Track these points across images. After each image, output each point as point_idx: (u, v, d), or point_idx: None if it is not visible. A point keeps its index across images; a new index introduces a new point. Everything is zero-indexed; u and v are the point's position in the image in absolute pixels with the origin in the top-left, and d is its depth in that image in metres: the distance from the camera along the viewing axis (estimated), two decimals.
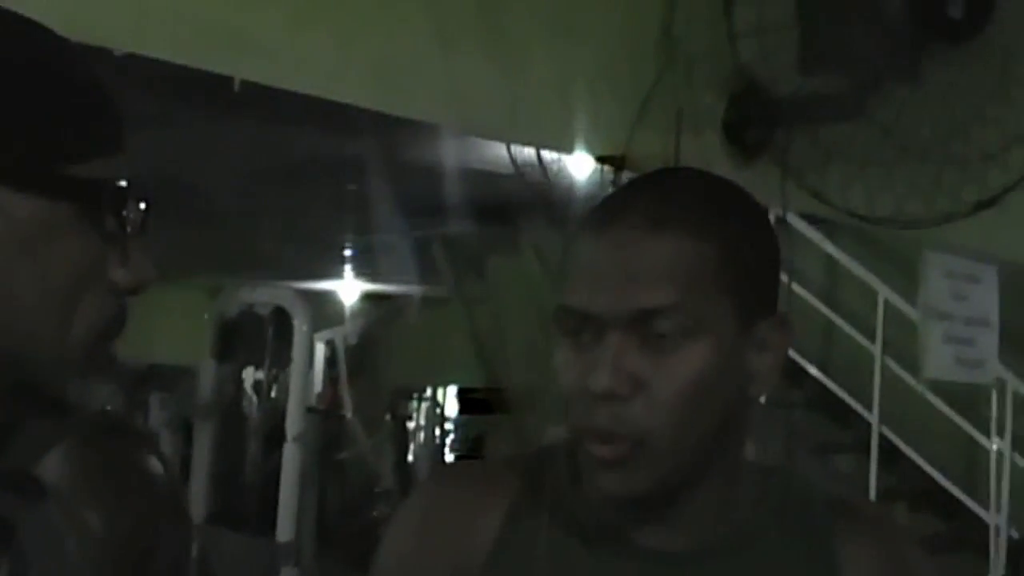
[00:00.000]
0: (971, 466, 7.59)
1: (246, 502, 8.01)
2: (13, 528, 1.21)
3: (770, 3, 4.18)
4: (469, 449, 10.05)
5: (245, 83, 3.50)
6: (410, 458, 9.91)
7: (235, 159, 6.75)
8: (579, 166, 4.81)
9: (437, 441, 9.92)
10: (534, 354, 8.45)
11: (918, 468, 7.60)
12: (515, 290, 8.32)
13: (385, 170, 6.60)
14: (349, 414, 8.97)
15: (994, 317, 5.00)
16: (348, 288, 9.35)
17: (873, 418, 7.44)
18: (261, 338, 7.79)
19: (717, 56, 4.22)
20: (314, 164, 6.93)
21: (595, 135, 4.07)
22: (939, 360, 4.78)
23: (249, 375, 8.64)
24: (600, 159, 4.22)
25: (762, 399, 1.52)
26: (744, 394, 1.44)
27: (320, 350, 8.79)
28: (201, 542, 7.09)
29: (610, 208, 1.46)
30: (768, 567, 1.48)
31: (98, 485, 1.32)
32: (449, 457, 10.22)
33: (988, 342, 4.99)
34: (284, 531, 7.39)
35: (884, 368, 7.40)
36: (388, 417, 9.50)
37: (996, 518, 7.20)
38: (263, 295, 7.77)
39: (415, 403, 9.71)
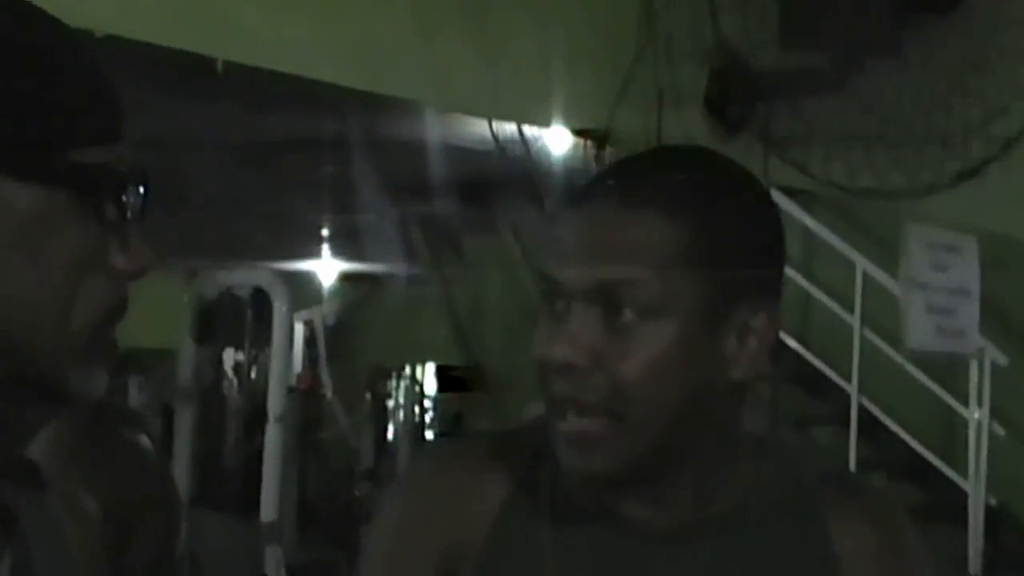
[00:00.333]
0: (949, 436, 7.63)
1: (228, 483, 7.99)
2: (15, 517, 1.21)
3: None
4: (449, 427, 10.06)
5: (227, 64, 3.51)
6: (390, 436, 9.89)
7: (213, 141, 6.74)
8: (560, 142, 4.82)
9: (417, 419, 9.90)
10: (512, 332, 8.48)
11: (897, 439, 7.64)
12: (493, 269, 8.33)
13: (363, 150, 6.60)
14: (329, 394, 8.96)
15: (975, 288, 5.02)
16: (326, 268, 9.34)
17: (852, 389, 7.47)
18: (240, 320, 7.75)
19: (697, 32, 4.24)
20: (292, 145, 6.93)
21: (577, 111, 4.08)
22: (921, 331, 4.81)
23: (229, 357, 8.62)
24: (580, 132, 4.23)
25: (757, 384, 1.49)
26: (725, 378, 1.42)
27: (299, 330, 8.76)
28: (185, 524, 7.08)
29: (594, 182, 1.46)
30: (759, 543, 1.48)
31: (92, 468, 1.32)
32: (429, 435, 10.21)
33: (969, 312, 5.02)
34: (267, 511, 7.37)
35: (862, 340, 7.43)
36: (367, 396, 9.49)
37: (974, 487, 7.24)
38: (242, 276, 7.73)
39: (394, 382, 9.70)
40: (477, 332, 8.80)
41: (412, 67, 3.57)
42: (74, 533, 1.27)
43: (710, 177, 1.44)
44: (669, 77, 4.10)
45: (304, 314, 9.01)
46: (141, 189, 1.17)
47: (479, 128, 5.32)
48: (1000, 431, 7.33)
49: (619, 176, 1.45)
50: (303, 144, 6.77)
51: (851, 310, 7.47)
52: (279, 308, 7.56)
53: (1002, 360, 7.13)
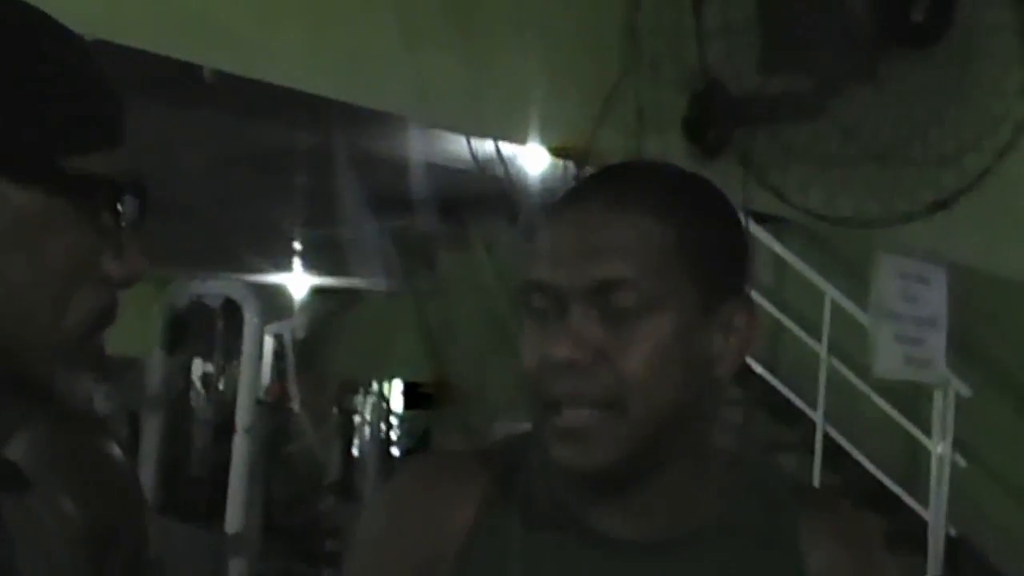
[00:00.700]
0: (913, 466, 7.68)
1: (194, 493, 7.99)
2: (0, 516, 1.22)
3: (733, 3, 4.23)
4: (416, 444, 10.06)
5: (215, 72, 3.52)
6: (355, 452, 9.89)
7: (185, 149, 6.74)
8: (538, 161, 4.85)
9: (383, 436, 9.91)
10: (482, 349, 8.49)
11: (861, 467, 7.68)
12: (465, 285, 8.35)
13: (336, 163, 6.61)
14: (296, 407, 8.96)
15: (942, 318, 5.08)
16: (297, 281, 9.34)
17: (818, 417, 7.52)
18: (211, 330, 7.77)
19: (679, 55, 4.27)
20: (266, 155, 6.93)
21: (558, 130, 4.11)
22: (889, 359, 4.85)
23: (197, 367, 8.61)
24: (559, 151, 4.26)
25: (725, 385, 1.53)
26: (709, 376, 1.47)
27: (269, 343, 8.77)
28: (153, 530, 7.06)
29: (576, 191, 1.52)
30: (731, 558, 1.50)
31: (70, 471, 1.34)
32: (395, 451, 10.21)
33: (936, 342, 5.07)
34: (233, 522, 7.37)
35: (829, 368, 7.49)
36: (335, 411, 9.49)
37: (934, 517, 7.28)
38: (213, 287, 7.74)
39: (361, 397, 9.70)
40: (447, 348, 8.81)
41: (396, 80, 3.59)
42: (56, 534, 1.28)
43: (687, 185, 1.51)
44: (651, 99, 4.13)
45: (274, 327, 9.02)
46: (138, 198, 1.18)
47: (457, 145, 5.34)
48: (962, 462, 7.38)
49: (605, 182, 1.50)
50: (278, 155, 6.79)
51: (819, 338, 7.53)
52: (250, 319, 7.56)
53: (965, 392, 7.19)
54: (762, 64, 4.25)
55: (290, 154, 6.62)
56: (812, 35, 4.15)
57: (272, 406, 8.72)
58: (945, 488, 7.28)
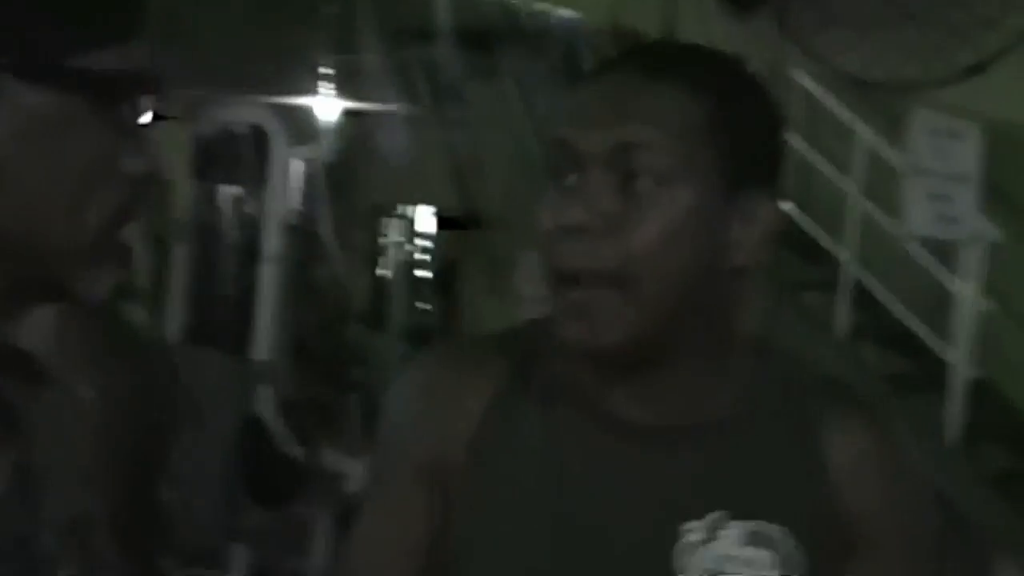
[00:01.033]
0: (941, 309, 7.67)
1: (222, 319, 8.02)
2: (19, 411, 1.23)
3: None
4: (441, 268, 10.06)
5: None
6: (381, 273, 9.91)
7: None
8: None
9: (413, 258, 9.92)
10: (509, 179, 8.47)
11: (886, 308, 7.67)
12: (493, 116, 8.30)
13: None
14: (325, 232, 8.96)
15: (974, 175, 5.02)
16: (327, 105, 9.26)
17: (845, 255, 7.49)
18: (238, 156, 7.73)
19: None
20: None
21: None
22: (921, 216, 4.82)
23: (226, 193, 8.59)
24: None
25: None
26: (725, 263, 1.45)
27: (298, 167, 8.72)
28: (179, 362, 7.14)
29: (613, 60, 1.51)
30: (748, 450, 1.50)
31: (87, 356, 1.34)
32: (422, 273, 10.22)
33: (967, 199, 5.02)
34: (261, 350, 7.43)
35: (859, 208, 7.43)
36: (363, 236, 9.49)
37: (958, 359, 7.29)
38: (240, 113, 7.69)
39: (389, 221, 9.70)
40: (477, 177, 8.80)
41: None
42: (71, 422, 1.29)
43: (728, 65, 1.52)
44: None
45: (303, 151, 8.96)
46: (156, 92, 1.17)
47: None
48: (988, 306, 7.36)
49: (643, 53, 1.52)
50: None
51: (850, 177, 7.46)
52: (277, 146, 7.54)
53: (996, 238, 7.13)
54: None
55: None
56: None
57: (300, 231, 8.71)
58: (970, 331, 7.28)
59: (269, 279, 7.55)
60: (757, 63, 4.24)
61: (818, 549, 1.48)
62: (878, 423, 1.55)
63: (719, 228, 1.43)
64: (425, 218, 9.92)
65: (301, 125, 8.83)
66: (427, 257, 9.98)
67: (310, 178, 8.95)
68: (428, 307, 9.83)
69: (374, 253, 9.49)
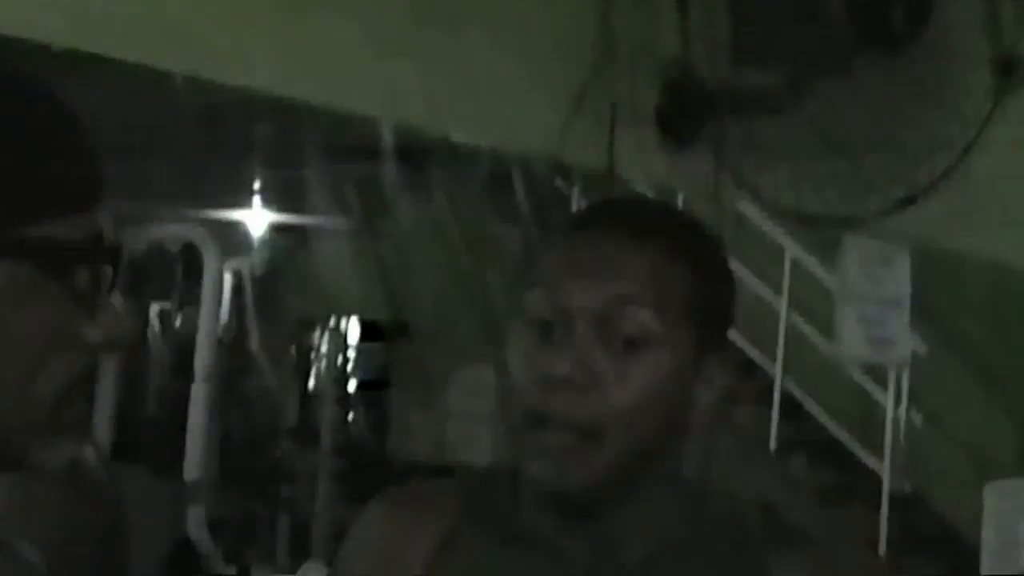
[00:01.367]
0: (869, 420, 7.75)
1: (151, 436, 7.96)
2: None
3: None
4: (375, 377, 10.02)
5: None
6: (311, 385, 9.86)
7: (153, 96, 6.66)
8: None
9: (340, 370, 9.88)
10: (440, 292, 8.50)
11: (818, 421, 7.75)
12: (424, 231, 8.34)
13: (298, 114, 6.56)
14: (255, 346, 8.93)
15: (905, 299, 5.11)
16: (256, 218, 9.28)
17: (777, 371, 7.57)
18: (170, 274, 7.71)
19: (653, 47, 4.25)
20: (230, 103, 6.85)
21: (530, 127, 4.09)
22: (853, 342, 4.89)
23: (154, 307, 8.55)
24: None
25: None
26: (687, 421, 1.50)
27: (227, 279, 8.71)
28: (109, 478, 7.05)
29: (594, 215, 1.58)
30: None
31: (36, 521, 1.33)
32: (351, 385, 10.19)
33: (899, 323, 5.11)
34: (191, 469, 7.36)
35: (788, 323, 7.53)
36: (292, 349, 9.46)
37: (888, 473, 7.37)
38: (173, 231, 7.68)
39: (319, 333, 9.67)
40: (404, 290, 8.82)
41: (363, 82, 3.56)
42: None
43: (701, 238, 1.56)
44: (623, 93, 4.12)
45: (233, 263, 8.95)
46: (114, 259, 1.16)
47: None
48: (918, 420, 7.47)
49: (624, 212, 1.56)
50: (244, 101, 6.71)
51: (779, 294, 7.56)
52: (210, 265, 7.52)
53: (922, 349, 7.24)
54: (735, 57, 4.23)
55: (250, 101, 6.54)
56: (787, 30, 4.14)
57: (230, 346, 8.68)
58: (900, 446, 7.37)
59: (200, 397, 7.50)
60: (694, 195, 4.30)
61: None
62: (827, 563, 1.57)
63: (687, 388, 1.49)
64: (354, 329, 9.90)
65: (230, 238, 8.84)
66: (355, 368, 9.94)
67: (239, 292, 8.94)
68: (356, 420, 9.80)
69: (304, 367, 9.45)
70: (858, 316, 4.93)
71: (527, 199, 6.79)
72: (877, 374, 7.49)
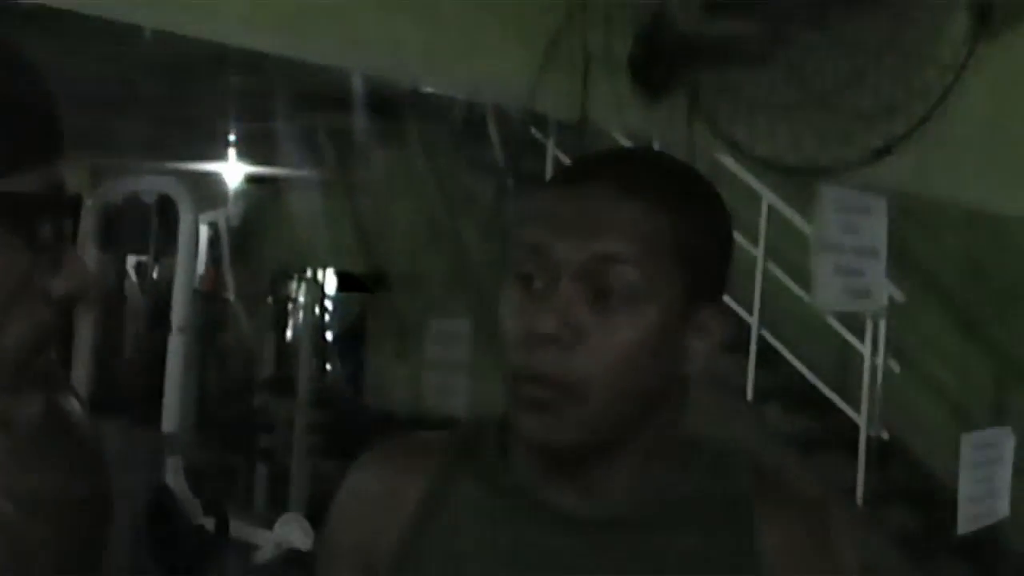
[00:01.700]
0: (847, 368, 7.77)
1: (129, 388, 7.97)
2: None
3: None
4: (351, 326, 10.04)
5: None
6: (289, 336, 9.87)
7: (125, 50, 6.62)
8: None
9: (317, 320, 9.89)
10: (414, 243, 8.49)
11: (795, 370, 7.77)
12: (399, 181, 8.32)
13: (272, 64, 6.53)
14: (232, 297, 8.92)
15: (882, 247, 5.09)
16: (232, 170, 9.25)
17: (753, 320, 7.59)
18: (145, 226, 7.69)
19: None
20: (202, 54, 6.81)
21: (503, 77, 4.05)
22: (829, 291, 4.87)
23: (131, 259, 8.53)
24: None
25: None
26: (678, 372, 1.50)
27: (203, 231, 8.69)
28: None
29: (582, 166, 1.54)
30: (684, 538, 1.52)
31: (16, 477, 1.33)
32: (329, 335, 10.19)
33: (876, 272, 5.09)
34: (169, 421, 7.37)
35: (765, 271, 7.54)
36: (269, 300, 9.45)
37: (865, 420, 7.40)
38: (147, 182, 7.65)
39: (295, 284, 9.67)
40: (380, 241, 8.81)
41: (338, 35, 3.53)
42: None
43: (689, 182, 1.54)
44: (596, 43, 4.08)
45: (209, 215, 8.94)
46: (73, 212, 1.15)
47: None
48: (896, 367, 7.49)
49: (615, 163, 1.54)
50: (215, 56, 6.67)
51: (756, 242, 7.57)
52: (185, 216, 7.50)
53: (899, 297, 7.26)
54: (710, 6, 4.20)
55: (227, 55, 6.51)
56: None
57: (207, 296, 8.67)
58: (877, 392, 7.40)
59: (177, 348, 7.50)
60: (669, 144, 4.28)
61: None
62: (814, 513, 1.58)
63: (677, 340, 1.47)
64: (331, 280, 9.90)
65: (206, 191, 8.81)
66: (332, 319, 9.95)
67: (216, 243, 8.93)
68: (334, 370, 9.81)
69: (281, 317, 9.44)
70: (834, 265, 4.90)
71: (503, 149, 6.76)
72: (854, 323, 7.51)
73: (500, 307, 1.47)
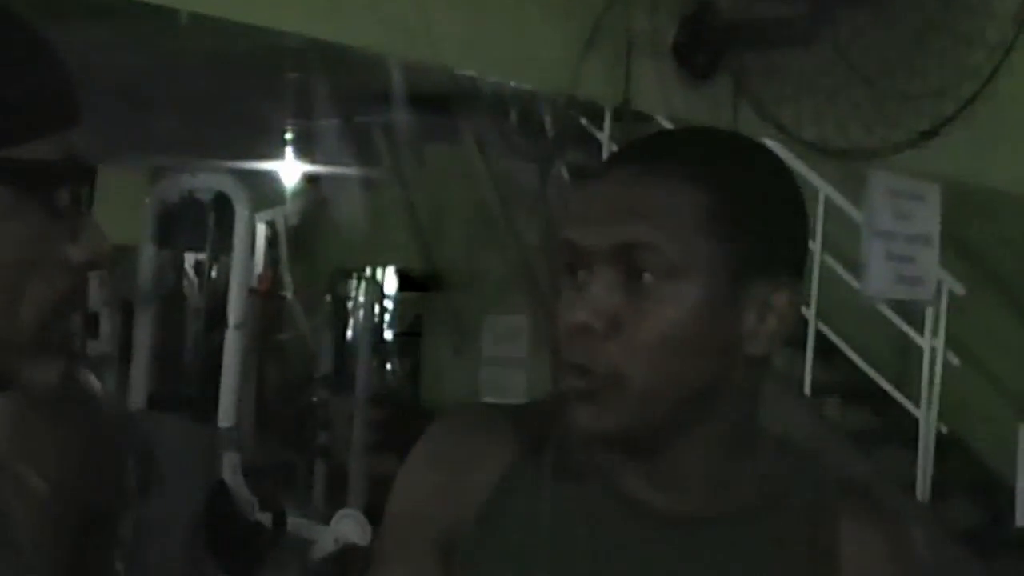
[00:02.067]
0: (905, 362, 7.71)
1: (187, 386, 8.01)
2: None
3: None
4: (408, 326, 10.08)
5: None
6: (349, 335, 9.91)
7: (177, 46, 6.67)
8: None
9: (376, 319, 9.92)
10: (471, 241, 8.49)
11: (852, 363, 7.71)
12: (454, 178, 8.33)
13: (327, 60, 6.57)
14: (289, 295, 8.96)
15: (935, 235, 5.05)
16: (289, 169, 9.29)
17: (811, 313, 7.53)
18: (202, 223, 7.72)
19: None
20: (257, 51, 6.86)
21: (545, 63, 4.05)
22: (879, 279, 4.84)
23: (189, 258, 8.59)
24: None
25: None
26: (739, 353, 1.43)
27: (261, 231, 8.74)
28: (143, 429, 7.11)
29: (618, 153, 1.51)
30: (766, 543, 1.49)
31: (38, 444, 1.33)
32: (388, 335, 10.23)
33: (928, 260, 5.05)
34: (225, 417, 7.40)
35: (822, 265, 7.49)
36: (328, 298, 9.48)
37: (925, 414, 7.34)
38: (204, 180, 7.68)
39: (355, 283, 9.71)
40: (438, 238, 8.82)
41: (379, 20, 3.53)
42: (21, 513, 1.28)
43: (736, 151, 1.48)
44: (641, 26, 4.08)
45: (267, 214, 8.98)
46: (88, 179, 1.16)
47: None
48: (955, 360, 7.42)
49: (648, 145, 1.50)
50: (269, 51, 6.72)
51: (813, 236, 7.51)
52: (241, 214, 7.53)
53: (959, 290, 7.20)
54: None
55: (282, 50, 6.55)
56: None
57: (264, 295, 8.72)
58: (937, 386, 7.33)
59: (233, 345, 7.52)
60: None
61: None
62: (895, 525, 1.54)
63: (729, 318, 1.42)
64: (390, 279, 9.94)
65: (264, 189, 8.86)
66: (391, 319, 9.98)
67: (273, 241, 8.97)
68: (392, 369, 9.85)
69: (338, 316, 9.48)
70: (885, 252, 4.87)
71: (557, 142, 6.75)
72: (914, 316, 7.44)
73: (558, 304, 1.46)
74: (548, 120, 6.46)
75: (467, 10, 3.75)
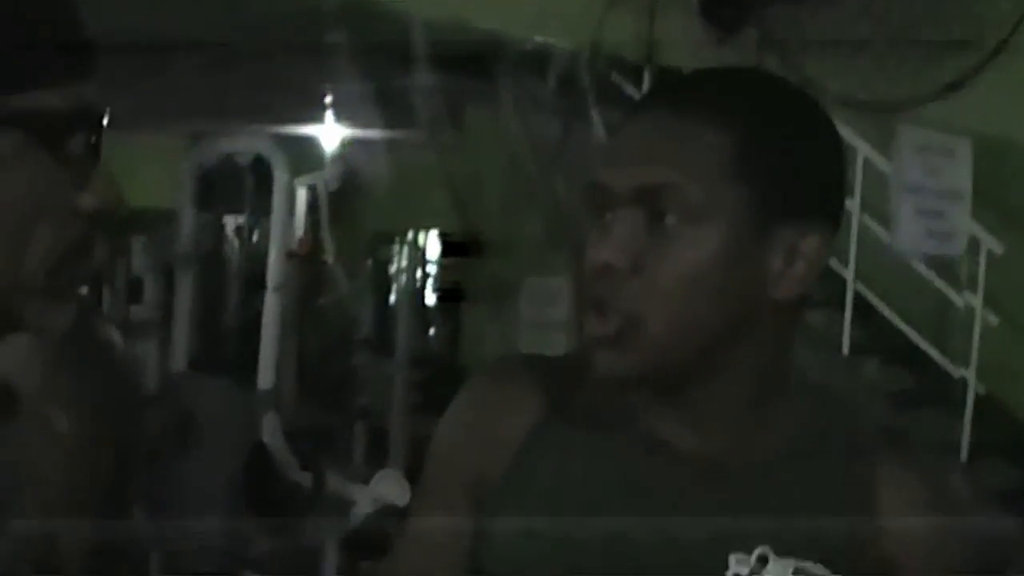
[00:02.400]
0: (943, 322, 7.67)
1: (227, 348, 8.07)
2: None
3: None
4: (449, 291, 10.11)
5: None
6: (391, 301, 9.95)
7: (213, 10, 6.70)
8: None
9: (418, 284, 9.96)
10: (509, 203, 8.49)
11: (890, 324, 7.67)
12: (492, 141, 8.33)
13: (366, 20, 6.57)
14: (330, 259, 9.00)
15: (966, 190, 5.02)
16: (329, 132, 9.31)
17: (848, 274, 7.49)
18: (241, 186, 7.77)
19: None
20: (294, 15, 6.88)
21: (570, 17, 4.06)
22: (910, 233, 4.82)
23: (230, 222, 8.64)
24: None
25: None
26: (764, 297, 1.43)
27: (302, 195, 8.77)
28: (183, 390, 7.18)
29: (648, 93, 1.55)
30: (801, 488, 1.49)
31: (61, 381, 1.36)
32: (430, 300, 10.26)
33: (960, 215, 5.02)
34: (265, 379, 7.45)
35: (860, 225, 7.44)
36: (369, 262, 9.52)
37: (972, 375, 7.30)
38: (243, 143, 7.72)
39: (397, 247, 9.74)
40: (476, 202, 8.83)
41: None
42: (44, 450, 1.31)
43: (768, 93, 1.47)
44: None
45: (307, 179, 9.01)
46: (96, 129, 1.18)
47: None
48: (994, 320, 7.37)
49: (676, 86, 1.51)
50: (306, 15, 6.74)
51: (851, 195, 7.46)
52: (279, 177, 7.57)
53: (997, 249, 7.14)
54: None
55: (319, 13, 6.57)
56: None
57: (305, 259, 8.75)
58: (976, 346, 7.29)
59: (273, 308, 7.58)
60: None
61: None
62: (932, 474, 1.54)
63: (754, 262, 1.41)
64: (432, 243, 9.95)
65: (304, 154, 8.88)
66: (432, 283, 10.01)
67: (313, 205, 9.00)
68: (433, 332, 9.88)
69: (379, 279, 9.51)
70: (915, 207, 4.85)
71: (595, 102, 6.74)
72: (951, 275, 7.40)
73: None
74: (587, 77, 6.46)
75: None
